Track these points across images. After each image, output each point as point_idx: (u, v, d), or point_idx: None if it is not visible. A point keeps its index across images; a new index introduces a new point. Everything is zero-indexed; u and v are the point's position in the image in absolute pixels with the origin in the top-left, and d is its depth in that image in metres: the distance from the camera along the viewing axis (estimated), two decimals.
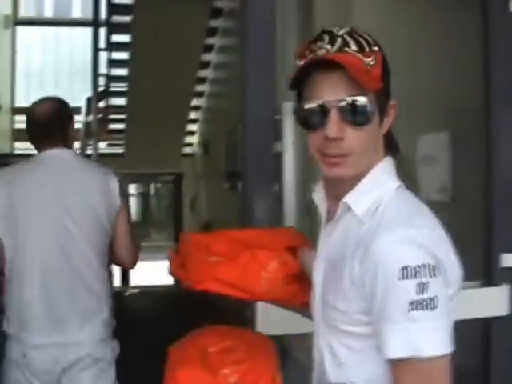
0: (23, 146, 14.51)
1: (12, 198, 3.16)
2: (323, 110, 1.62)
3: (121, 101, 11.46)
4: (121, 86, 11.16)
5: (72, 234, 3.16)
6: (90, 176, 3.29)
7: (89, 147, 10.71)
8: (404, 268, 1.47)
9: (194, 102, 11.36)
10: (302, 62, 1.66)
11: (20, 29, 14.61)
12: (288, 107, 5.78)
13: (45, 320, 3.15)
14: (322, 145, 1.65)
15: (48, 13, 17.09)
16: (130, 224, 3.38)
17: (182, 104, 10.97)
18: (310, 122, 1.67)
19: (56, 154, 3.28)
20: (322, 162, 1.67)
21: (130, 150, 11.96)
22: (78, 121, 12.30)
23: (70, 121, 3.43)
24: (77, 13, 16.47)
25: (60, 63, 16.22)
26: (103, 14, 10.41)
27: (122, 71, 10.80)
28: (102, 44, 10.57)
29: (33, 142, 3.38)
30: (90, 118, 10.72)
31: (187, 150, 12.79)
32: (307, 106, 1.66)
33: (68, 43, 16.03)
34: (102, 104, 11.35)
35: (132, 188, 17.19)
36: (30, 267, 3.15)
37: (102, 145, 12.32)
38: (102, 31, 10.50)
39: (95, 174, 3.32)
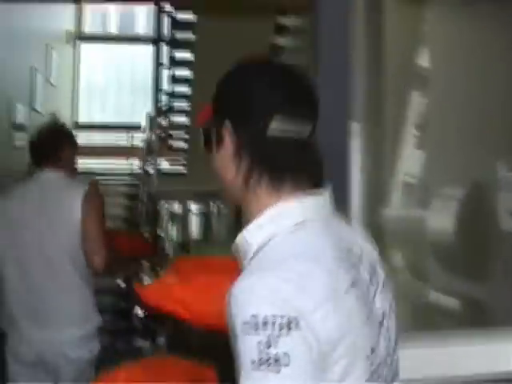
0: (86, 162, 14.54)
1: (7, 212, 3.63)
2: None
3: (183, 119, 11.20)
4: (183, 105, 10.91)
5: (50, 242, 3.54)
6: (63, 193, 3.63)
7: (149, 164, 10.51)
8: (249, 320, 1.27)
9: None
10: None
11: (83, 45, 14.56)
12: (356, 127, 5.50)
13: (27, 319, 3.52)
14: None
15: (113, 29, 17.01)
16: (99, 232, 3.59)
17: None
18: None
19: (43, 175, 3.67)
20: None
21: (192, 169, 11.74)
22: (138, 137, 12.22)
23: (64, 145, 3.76)
24: (141, 29, 16.34)
25: (123, 79, 16.11)
26: (166, 31, 10.23)
27: (184, 89, 10.54)
28: (165, 61, 10.42)
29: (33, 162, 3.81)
30: (152, 135, 10.53)
31: None
32: None
33: (131, 59, 15.91)
34: (163, 122, 11.16)
35: (194, 207, 17.13)
36: (15, 269, 3.58)
37: (164, 163, 12.15)
38: (165, 48, 10.36)
39: (68, 190, 3.66)
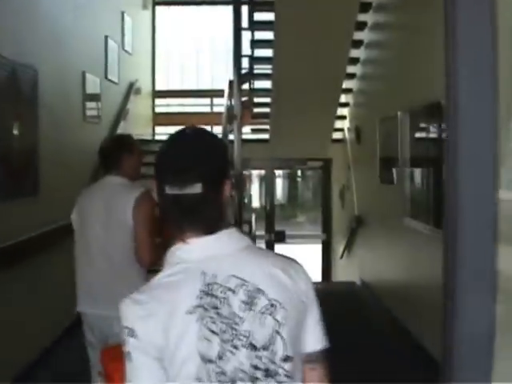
0: (164, 131, 14.14)
1: (80, 210, 4.41)
2: None
3: (265, 83, 10.83)
4: (265, 68, 10.53)
5: (107, 237, 4.26)
6: (120, 197, 4.27)
7: (231, 132, 10.02)
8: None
9: (345, 84, 10.41)
10: None
11: (160, 10, 14.05)
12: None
13: (86, 297, 4.37)
14: None
15: None
16: (145, 234, 4.20)
17: (331, 86, 10.08)
18: None
19: (106, 179, 4.43)
20: None
21: (276, 135, 11.27)
22: (220, 104, 11.76)
23: (123, 156, 4.38)
24: None
25: (202, 44, 15.60)
26: None
27: (266, 52, 10.15)
28: (245, 23, 9.87)
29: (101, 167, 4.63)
30: (233, 101, 10.00)
31: (337, 134, 11.84)
32: None
33: (209, 23, 15.34)
34: (245, 87, 10.66)
35: (278, 173, 16.72)
36: (82, 257, 4.39)
37: (246, 130, 11.69)
38: (245, 9, 9.80)
39: (123, 195, 4.27)
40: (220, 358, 1.81)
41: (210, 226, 1.93)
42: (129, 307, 1.88)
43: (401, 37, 7.73)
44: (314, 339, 2.00)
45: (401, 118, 7.26)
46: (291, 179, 22.04)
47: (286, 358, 1.88)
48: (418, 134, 6.95)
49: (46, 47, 6.76)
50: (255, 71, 10.74)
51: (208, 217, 1.93)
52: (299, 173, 20.51)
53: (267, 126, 11.52)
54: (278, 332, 1.87)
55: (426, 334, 6.69)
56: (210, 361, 1.80)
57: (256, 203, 18.39)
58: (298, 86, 9.68)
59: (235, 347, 1.82)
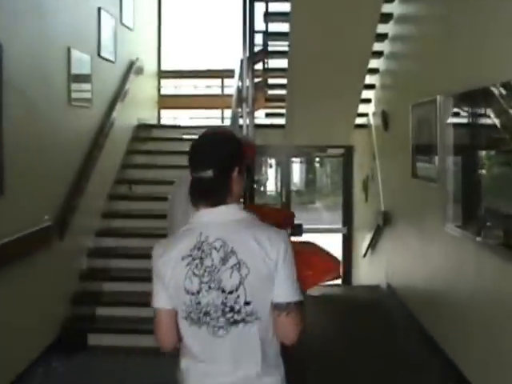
0: (171, 115, 13.18)
1: (171, 197, 5.14)
2: None
3: (281, 62, 9.97)
4: (281, 45, 9.71)
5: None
6: None
7: (241, 117, 9.01)
8: None
9: (371, 63, 9.32)
10: None
11: None
12: None
13: None
14: None
15: None
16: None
17: (355, 65, 9.06)
18: None
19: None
20: None
21: (292, 120, 10.26)
22: (231, 86, 10.80)
23: None
24: None
25: (210, 19, 14.62)
26: None
27: (282, 26, 9.24)
28: None
29: None
30: (245, 82, 9.01)
31: (361, 120, 10.79)
32: None
33: None
34: (258, 66, 10.02)
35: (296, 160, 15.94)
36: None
37: (260, 114, 11.08)
38: None
39: None
40: (198, 292, 2.54)
41: (217, 201, 2.60)
42: (155, 248, 2.66)
43: (438, 11, 6.62)
44: (280, 293, 2.53)
45: (440, 103, 6.14)
46: (309, 164, 21.27)
47: (247, 303, 2.52)
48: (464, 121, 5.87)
49: (17, 18, 5.67)
50: (270, 48, 9.97)
51: (215, 194, 2.60)
52: (318, 158, 19.68)
53: (283, 110, 10.55)
54: (241, 283, 2.50)
55: (459, 352, 5.90)
56: (192, 293, 2.54)
57: (271, 190, 17.57)
58: (317, 65, 8.72)
59: (210, 288, 2.53)
